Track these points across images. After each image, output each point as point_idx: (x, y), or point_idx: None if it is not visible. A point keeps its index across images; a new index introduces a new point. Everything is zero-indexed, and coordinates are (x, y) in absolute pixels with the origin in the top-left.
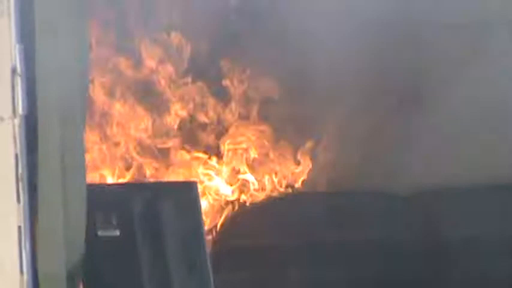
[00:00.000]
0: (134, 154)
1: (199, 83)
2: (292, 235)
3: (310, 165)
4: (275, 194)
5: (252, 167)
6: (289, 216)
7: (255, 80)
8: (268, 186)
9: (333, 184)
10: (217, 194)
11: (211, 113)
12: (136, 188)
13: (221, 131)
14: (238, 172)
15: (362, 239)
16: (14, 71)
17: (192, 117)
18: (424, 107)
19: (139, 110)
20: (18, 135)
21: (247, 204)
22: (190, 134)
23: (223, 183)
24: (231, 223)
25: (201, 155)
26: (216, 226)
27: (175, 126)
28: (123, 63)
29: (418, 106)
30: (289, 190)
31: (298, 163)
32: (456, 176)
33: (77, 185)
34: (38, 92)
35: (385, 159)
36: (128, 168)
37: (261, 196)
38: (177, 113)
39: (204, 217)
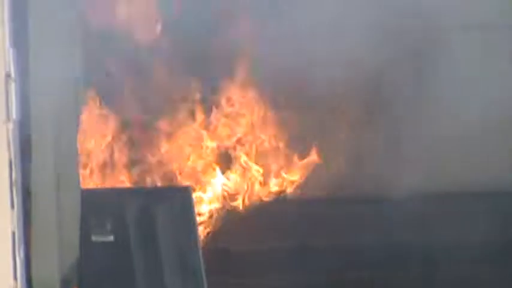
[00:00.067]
0: None
1: None
2: (284, 240)
3: (301, 172)
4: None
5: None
6: (281, 221)
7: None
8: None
9: (323, 190)
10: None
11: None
12: (131, 193)
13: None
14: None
15: (354, 243)
16: (8, 75)
17: None
18: (414, 110)
19: None
20: (12, 140)
21: (239, 209)
22: None
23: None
24: (223, 227)
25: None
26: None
27: None
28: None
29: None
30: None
31: (289, 170)
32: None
33: (71, 191)
34: (31, 97)
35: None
36: None
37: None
38: None
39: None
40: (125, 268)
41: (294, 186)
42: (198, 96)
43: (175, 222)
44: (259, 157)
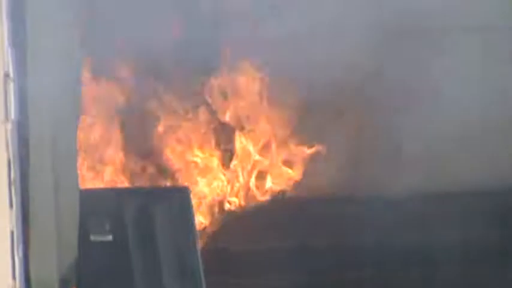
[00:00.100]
0: None
1: None
2: (283, 240)
3: (301, 172)
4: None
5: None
6: (280, 221)
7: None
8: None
9: (323, 190)
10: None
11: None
12: (129, 193)
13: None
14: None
15: (354, 243)
16: (6, 75)
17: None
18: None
19: None
20: (11, 140)
21: (238, 208)
22: None
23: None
24: (223, 227)
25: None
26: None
27: None
28: None
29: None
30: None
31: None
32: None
33: (69, 190)
34: (30, 97)
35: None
36: None
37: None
38: None
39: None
40: (123, 268)
41: (294, 186)
42: (198, 95)
43: (173, 222)
44: (259, 156)
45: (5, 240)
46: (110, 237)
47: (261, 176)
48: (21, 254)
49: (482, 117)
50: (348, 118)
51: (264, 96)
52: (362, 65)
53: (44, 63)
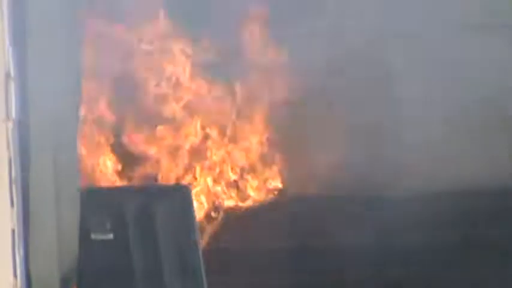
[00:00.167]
0: None
1: None
2: (284, 240)
3: (301, 172)
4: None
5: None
6: (280, 221)
7: None
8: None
9: (323, 190)
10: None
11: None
12: (130, 191)
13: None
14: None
15: (354, 243)
16: (7, 75)
17: None
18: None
19: None
20: (12, 139)
21: (236, 208)
22: None
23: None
24: (221, 226)
25: None
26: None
27: None
28: None
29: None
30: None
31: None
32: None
33: (70, 189)
34: (31, 96)
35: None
36: None
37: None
38: None
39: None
40: (124, 266)
41: (294, 185)
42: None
43: (175, 221)
44: (258, 155)
45: (6, 239)
46: (110, 236)
47: (261, 176)
48: (22, 252)
49: (482, 117)
50: (348, 117)
51: (258, 95)
52: (361, 64)
53: (45, 63)
